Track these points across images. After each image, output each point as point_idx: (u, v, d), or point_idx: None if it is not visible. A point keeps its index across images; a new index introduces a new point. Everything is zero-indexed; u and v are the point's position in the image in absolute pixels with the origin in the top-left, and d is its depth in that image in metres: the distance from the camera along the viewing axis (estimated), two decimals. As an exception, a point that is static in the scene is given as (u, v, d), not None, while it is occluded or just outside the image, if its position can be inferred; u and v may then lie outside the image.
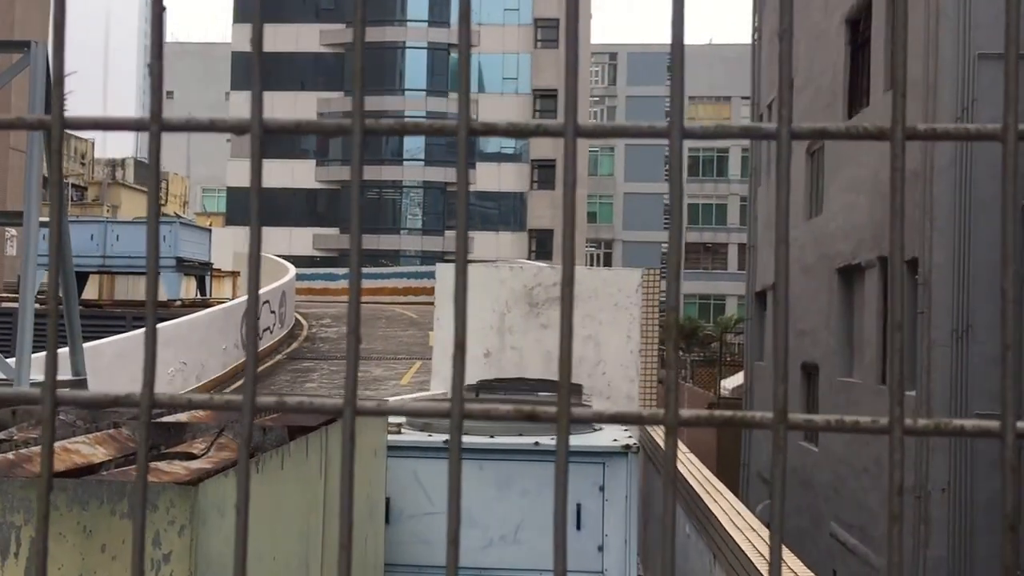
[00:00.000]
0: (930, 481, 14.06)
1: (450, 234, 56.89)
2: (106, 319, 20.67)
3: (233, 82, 58.04)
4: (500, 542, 7.83)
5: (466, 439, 6.59)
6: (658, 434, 13.08)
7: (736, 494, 9.60)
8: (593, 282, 14.00)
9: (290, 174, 55.79)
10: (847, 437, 17.90)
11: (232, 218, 56.35)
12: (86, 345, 9.29)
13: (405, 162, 57.27)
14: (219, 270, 34.36)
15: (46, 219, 9.26)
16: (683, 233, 0.93)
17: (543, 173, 57.73)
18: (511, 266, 16.33)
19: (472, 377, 12.05)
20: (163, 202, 54.29)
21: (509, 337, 13.92)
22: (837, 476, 18.39)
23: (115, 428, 4.68)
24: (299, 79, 56.66)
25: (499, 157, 57.40)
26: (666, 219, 71.18)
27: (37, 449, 4.11)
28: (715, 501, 8.65)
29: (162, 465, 3.97)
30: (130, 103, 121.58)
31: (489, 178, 55.87)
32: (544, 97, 57.91)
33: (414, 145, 57.52)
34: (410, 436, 8.21)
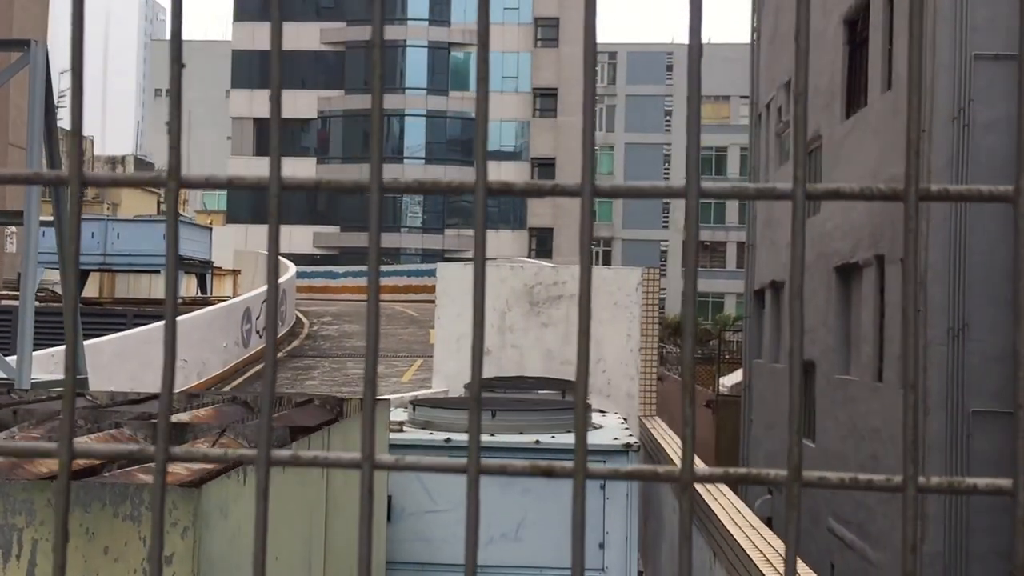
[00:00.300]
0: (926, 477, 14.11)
1: (450, 232, 56.95)
2: (107, 317, 20.69)
3: (234, 80, 58.05)
4: (501, 540, 7.86)
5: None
6: (658, 432, 13.11)
7: (735, 491, 9.63)
8: (593, 281, 14.00)
9: (291, 172, 55.57)
10: (843, 433, 17.94)
11: (232, 216, 56.39)
12: (86, 343, 9.31)
13: (406, 160, 57.31)
14: (220, 268, 34.39)
15: (46, 218, 9.28)
16: (694, 313, 0.94)
17: (543, 171, 57.79)
18: (511, 265, 16.36)
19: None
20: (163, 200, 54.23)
21: (510, 336, 13.95)
22: (833, 471, 18.48)
23: (117, 428, 4.66)
24: (300, 77, 56.67)
25: (499, 155, 57.45)
26: (664, 218, 71.23)
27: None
28: (714, 499, 8.68)
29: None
30: (130, 101, 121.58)
31: (489, 176, 55.87)
32: (544, 95, 57.98)
33: (415, 143, 57.56)
34: (412, 435, 8.24)
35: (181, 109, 0.92)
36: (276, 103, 0.91)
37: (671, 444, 12.12)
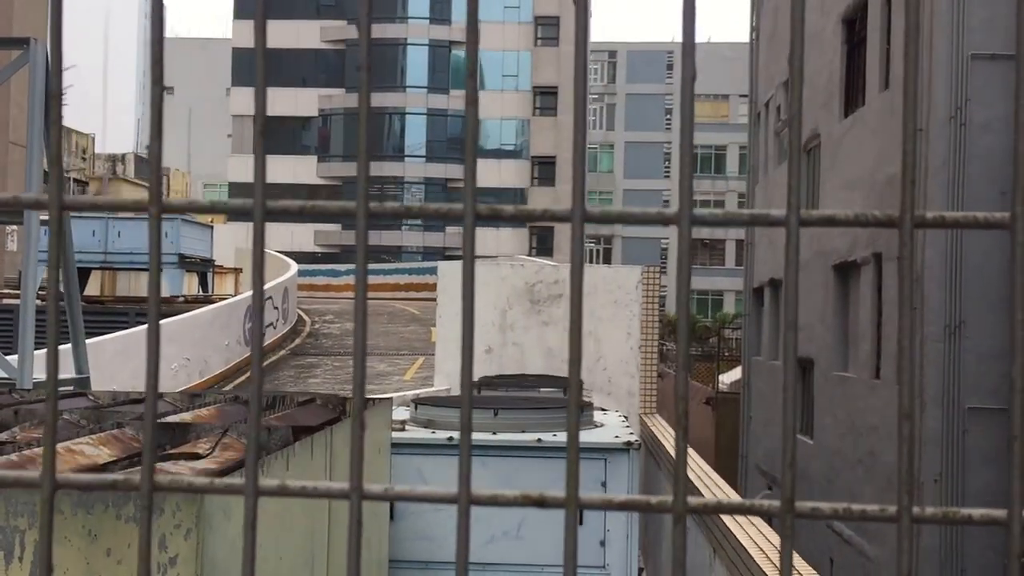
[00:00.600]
0: (922, 471, 14.14)
1: (451, 230, 56.93)
2: (108, 315, 20.72)
3: (234, 78, 58.00)
4: (503, 538, 7.89)
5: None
6: (659, 430, 13.14)
7: (734, 487, 9.66)
8: (593, 279, 14.05)
9: (291, 170, 55.81)
10: (842, 430, 17.97)
11: (234, 215, 56.32)
12: (88, 342, 9.32)
13: (407, 158, 57.31)
14: (221, 266, 34.40)
15: (47, 218, 9.30)
16: (689, 329, 0.93)
17: (543, 169, 57.78)
18: (512, 263, 16.39)
19: (474, 373, 12.10)
20: (164, 197, 54.02)
21: (510, 334, 13.98)
22: (832, 468, 18.49)
23: (119, 428, 4.63)
24: (300, 75, 56.65)
25: (499, 153, 57.45)
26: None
27: (40, 450, 4.11)
28: (714, 495, 8.71)
29: (167, 466, 3.95)
30: (130, 98, 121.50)
31: (489, 174, 55.89)
32: (544, 94, 57.96)
33: (416, 141, 57.56)
34: (414, 433, 8.26)
35: (162, 134, 0.91)
36: (259, 135, 0.87)
37: (671, 442, 12.15)
